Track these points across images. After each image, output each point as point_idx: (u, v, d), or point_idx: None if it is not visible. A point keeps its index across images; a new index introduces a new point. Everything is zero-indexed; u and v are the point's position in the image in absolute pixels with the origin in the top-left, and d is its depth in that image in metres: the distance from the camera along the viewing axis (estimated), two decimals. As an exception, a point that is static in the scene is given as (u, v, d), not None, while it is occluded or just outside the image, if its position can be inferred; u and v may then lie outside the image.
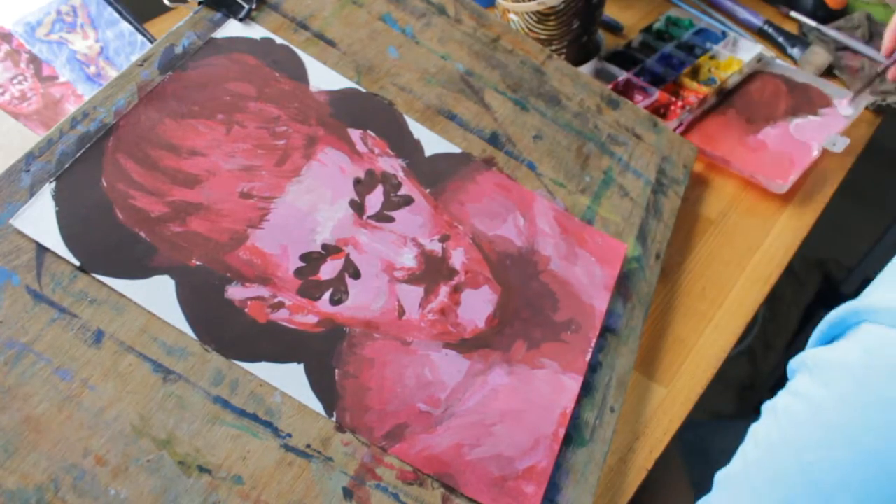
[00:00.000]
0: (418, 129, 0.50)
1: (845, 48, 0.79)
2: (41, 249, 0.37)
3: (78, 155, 0.39)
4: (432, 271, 0.44)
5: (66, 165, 0.39)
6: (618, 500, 0.46)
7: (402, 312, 0.42)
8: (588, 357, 0.45)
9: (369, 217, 0.45)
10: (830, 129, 0.67)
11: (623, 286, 0.50)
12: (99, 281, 0.37)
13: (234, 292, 0.39)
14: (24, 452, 0.33)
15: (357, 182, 0.45)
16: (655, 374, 0.52)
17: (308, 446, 0.37)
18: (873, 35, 0.80)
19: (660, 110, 0.68)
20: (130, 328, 0.37)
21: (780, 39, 0.81)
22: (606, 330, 0.48)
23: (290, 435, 0.37)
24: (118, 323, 0.36)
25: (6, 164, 0.38)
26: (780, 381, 0.83)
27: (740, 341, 0.58)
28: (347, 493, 0.37)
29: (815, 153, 0.65)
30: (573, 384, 0.44)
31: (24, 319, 0.35)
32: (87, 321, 0.36)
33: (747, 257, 0.60)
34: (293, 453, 0.37)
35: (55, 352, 0.35)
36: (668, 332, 0.55)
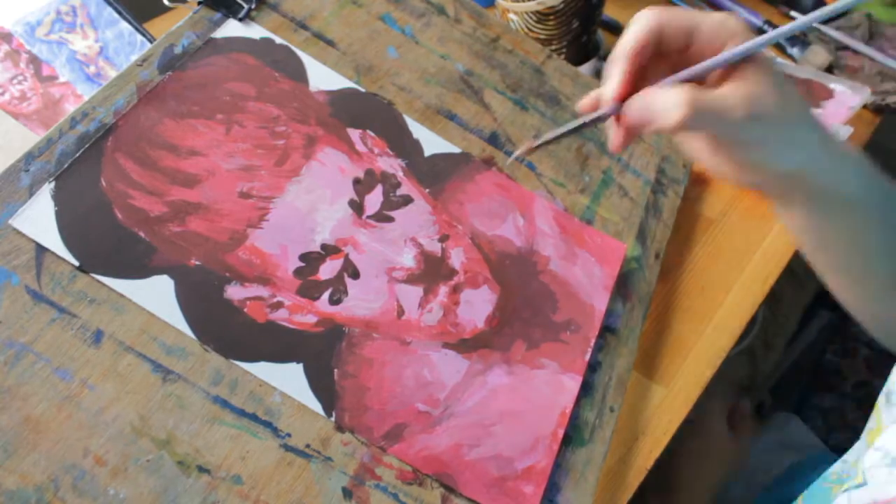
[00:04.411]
0: (418, 129, 0.50)
1: (845, 48, 0.79)
2: (41, 249, 0.37)
3: (77, 155, 0.39)
4: (432, 271, 0.44)
5: (66, 165, 0.39)
6: (618, 500, 0.46)
7: (401, 312, 0.42)
8: (587, 357, 0.45)
9: (368, 217, 0.45)
10: (833, 120, 0.67)
11: (623, 286, 0.50)
12: (98, 281, 0.37)
13: (234, 292, 0.39)
14: (24, 452, 0.33)
15: (356, 182, 0.45)
16: (655, 374, 0.52)
17: (308, 446, 0.37)
18: (873, 35, 0.80)
19: (660, 110, 0.68)
20: (130, 328, 0.37)
21: (780, 39, 0.81)
22: (606, 330, 0.48)
23: (289, 435, 0.37)
24: (118, 323, 0.36)
25: (6, 164, 0.38)
26: (780, 381, 0.83)
27: (740, 341, 0.58)
28: (347, 492, 0.37)
29: (818, 145, 0.64)
30: (573, 384, 0.44)
31: (24, 319, 0.35)
32: (86, 321, 0.36)
33: (747, 257, 0.60)
34: (293, 453, 0.37)
35: (55, 352, 0.35)
36: (668, 332, 0.55)
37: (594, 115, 0.39)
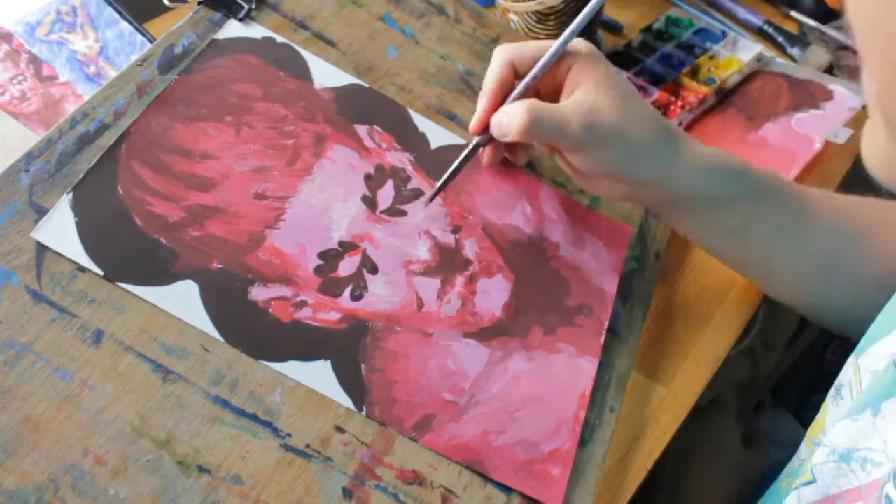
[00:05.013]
0: (423, 122, 0.50)
1: (845, 48, 0.79)
2: (41, 249, 0.37)
3: (93, 164, 0.39)
4: (447, 262, 0.45)
5: (82, 175, 0.39)
6: (618, 500, 0.46)
7: (420, 305, 0.43)
8: (602, 339, 0.46)
9: (382, 212, 0.45)
10: (833, 121, 0.67)
11: (623, 286, 0.50)
12: (99, 281, 0.37)
13: (257, 293, 0.40)
14: (24, 452, 0.33)
15: (367, 178, 0.46)
16: (655, 373, 0.52)
17: (308, 446, 0.37)
18: (873, 35, 0.80)
19: (659, 110, 0.68)
20: (130, 328, 0.37)
21: (780, 39, 0.81)
22: (606, 330, 0.48)
23: (289, 435, 0.37)
24: (118, 323, 0.36)
25: (6, 164, 0.38)
26: (780, 381, 0.82)
27: (740, 341, 0.58)
28: (347, 492, 0.37)
29: (818, 146, 0.65)
30: (590, 367, 0.45)
31: (24, 319, 0.35)
32: (86, 321, 0.36)
33: (747, 257, 0.60)
34: (293, 453, 0.37)
35: (55, 352, 0.35)
36: (668, 332, 0.55)
37: (472, 144, 0.46)
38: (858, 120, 0.69)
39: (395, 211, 0.46)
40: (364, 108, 0.48)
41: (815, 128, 0.67)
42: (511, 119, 0.42)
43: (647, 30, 0.78)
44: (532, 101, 0.41)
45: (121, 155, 0.40)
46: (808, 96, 0.71)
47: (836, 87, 0.71)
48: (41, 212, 0.38)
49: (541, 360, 0.44)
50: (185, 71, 0.44)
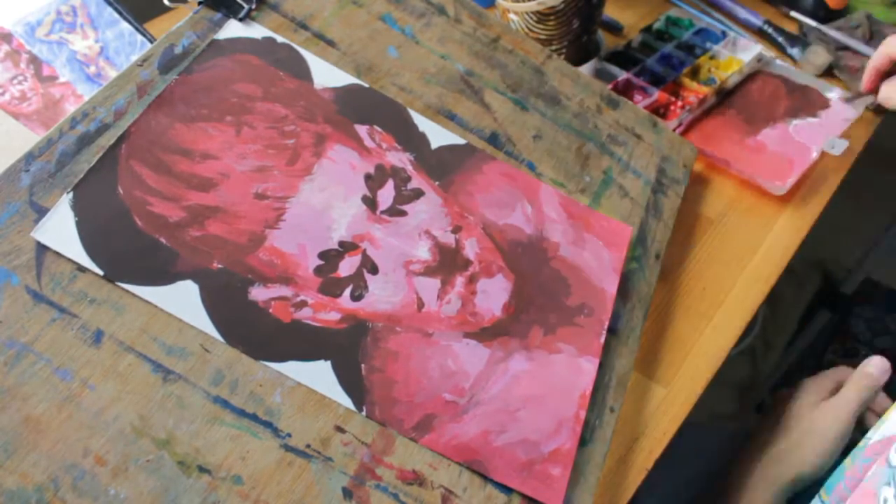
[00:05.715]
0: (423, 122, 0.50)
1: (845, 48, 0.79)
2: (41, 249, 0.37)
3: (93, 164, 0.39)
4: (447, 262, 0.45)
5: (82, 175, 0.39)
6: (618, 500, 0.46)
7: (421, 305, 0.43)
8: (602, 339, 0.46)
9: (382, 212, 0.45)
10: (829, 131, 0.67)
11: (623, 286, 0.50)
12: (99, 281, 0.37)
13: (258, 293, 0.40)
14: (24, 452, 0.33)
15: (368, 178, 0.46)
16: (655, 374, 0.52)
17: (308, 446, 0.37)
18: (873, 35, 0.80)
19: (659, 110, 0.68)
20: (130, 328, 0.37)
21: (780, 39, 0.81)
22: (607, 330, 0.48)
23: (289, 435, 0.37)
24: (118, 323, 0.36)
25: (6, 164, 0.38)
26: (780, 381, 0.82)
27: (740, 341, 0.58)
28: (347, 492, 0.37)
29: (815, 155, 0.65)
30: (590, 367, 0.45)
31: (24, 319, 0.35)
32: (86, 321, 0.36)
33: (747, 257, 0.60)
34: (293, 453, 0.37)
35: (55, 352, 0.35)
36: (668, 332, 0.55)
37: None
38: (854, 129, 0.69)
39: (395, 211, 0.46)
40: (364, 108, 0.48)
41: (812, 137, 0.67)
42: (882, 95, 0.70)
43: (647, 30, 0.78)
44: (888, 87, 0.69)
45: (121, 155, 0.40)
46: (805, 103, 0.71)
47: (833, 95, 0.71)
48: (41, 212, 0.38)
49: (541, 360, 0.44)
50: (185, 71, 0.44)
